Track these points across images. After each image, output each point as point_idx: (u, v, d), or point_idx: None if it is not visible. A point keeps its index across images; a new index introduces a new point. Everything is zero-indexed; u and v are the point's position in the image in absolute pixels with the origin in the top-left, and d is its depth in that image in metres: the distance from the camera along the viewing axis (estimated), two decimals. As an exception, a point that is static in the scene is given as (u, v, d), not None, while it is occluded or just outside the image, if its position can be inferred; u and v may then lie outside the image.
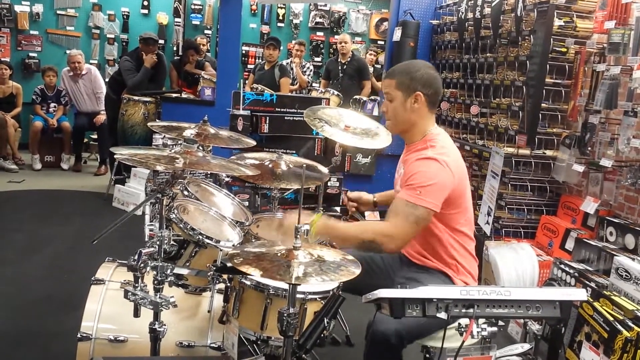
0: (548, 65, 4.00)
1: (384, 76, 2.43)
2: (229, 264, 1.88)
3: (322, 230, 2.16)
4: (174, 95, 6.49)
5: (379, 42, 9.23)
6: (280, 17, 9.16)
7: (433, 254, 2.34)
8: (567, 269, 3.37)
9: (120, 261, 2.62)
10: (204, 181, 3.01)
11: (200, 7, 8.94)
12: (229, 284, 2.24)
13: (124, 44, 8.69)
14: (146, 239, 2.36)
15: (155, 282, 2.14)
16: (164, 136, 5.02)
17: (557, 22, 3.96)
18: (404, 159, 2.40)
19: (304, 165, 2.24)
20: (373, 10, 9.36)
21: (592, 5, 4.00)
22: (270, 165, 2.94)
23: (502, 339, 3.39)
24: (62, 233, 4.76)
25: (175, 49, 8.73)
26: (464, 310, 1.58)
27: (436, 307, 1.57)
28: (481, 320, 1.65)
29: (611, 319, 2.71)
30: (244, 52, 8.87)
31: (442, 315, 1.57)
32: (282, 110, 3.78)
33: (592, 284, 3.13)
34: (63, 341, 2.88)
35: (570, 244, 3.80)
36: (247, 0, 8.91)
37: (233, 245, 2.34)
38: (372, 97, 6.53)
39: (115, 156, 2.16)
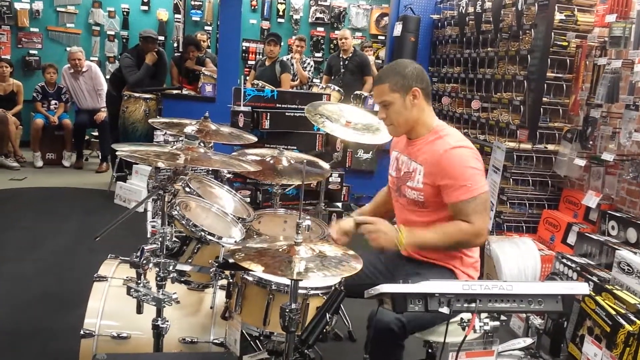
0: (549, 60, 4.00)
1: (373, 84, 2.41)
2: (231, 260, 1.88)
3: (410, 241, 2.20)
4: (175, 91, 6.48)
5: (380, 37, 9.21)
6: (281, 13, 9.14)
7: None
8: (569, 263, 3.37)
9: (122, 258, 2.62)
10: (205, 177, 3.02)
11: (200, 3, 8.92)
12: (231, 280, 2.24)
13: (124, 40, 8.67)
14: (148, 236, 2.36)
15: (158, 278, 2.15)
16: (165, 133, 5.03)
17: (558, 16, 3.95)
18: (412, 151, 2.35)
19: (305, 161, 2.24)
20: (373, 5, 9.33)
21: (593, -1, 4.00)
22: (271, 162, 2.94)
23: (504, 333, 3.38)
24: (64, 230, 4.77)
25: (175, 45, 8.71)
26: (466, 305, 1.58)
27: (438, 301, 1.57)
28: (483, 315, 1.65)
29: (613, 313, 2.71)
30: (244, 48, 8.84)
31: (445, 309, 1.57)
32: (283, 106, 3.78)
33: (594, 278, 3.13)
34: (66, 338, 2.88)
35: (572, 238, 3.80)
36: (247, -4, 8.89)
37: (235, 242, 2.34)
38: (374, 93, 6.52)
39: (116, 153, 2.17)
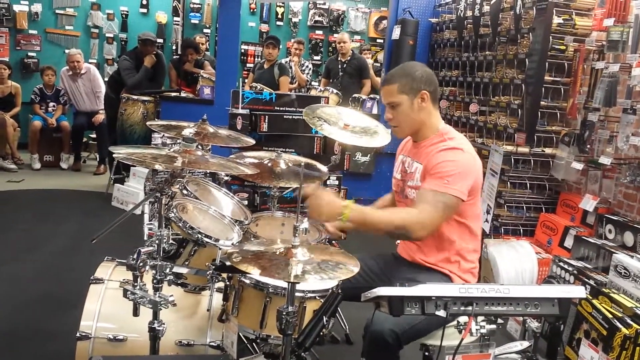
0: (547, 63, 4.00)
1: (382, 84, 2.42)
2: (228, 263, 1.88)
3: (356, 215, 2.11)
4: (173, 94, 6.49)
5: (378, 40, 9.22)
6: (279, 16, 9.15)
7: (437, 251, 2.31)
8: (566, 266, 3.38)
9: (119, 260, 2.62)
10: (203, 180, 3.01)
11: (199, 6, 8.93)
12: (228, 283, 2.24)
13: (123, 43, 8.68)
14: (145, 238, 2.36)
15: (155, 281, 2.15)
16: (163, 135, 5.03)
17: (556, 20, 3.96)
18: (416, 152, 2.37)
19: (302, 164, 2.24)
20: (372, 8, 9.34)
21: (591, 3, 4.01)
22: (269, 164, 2.94)
23: (501, 336, 3.39)
24: (61, 232, 4.76)
25: (174, 48, 8.72)
26: (462, 308, 1.58)
27: (435, 304, 1.57)
28: (480, 318, 1.65)
29: (610, 316, 2.71)
30: (243, 50, 8.85)
31: (441, 312, 1.57)
32: (281, 109, 3.78)
33: (591, 282, 3.13)
34: (62, 340, 2.88)
35: (569, 242, 3.81)
36: (246, -2, 8.91)
37: (232, 244, 2.34)
38: (372, 96, 6.53)
39: (114, 155, 2.17)
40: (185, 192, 2.63)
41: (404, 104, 2.30)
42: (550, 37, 3.96)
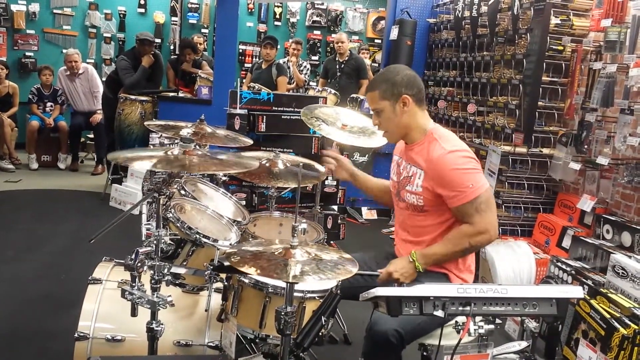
0: (545, 64, 4.02)
1: (365, 91, 2.43)
2: (226, 263, 1.88)
3: (423, 261, 2.22)
4: (171, 94, 6.47)
5: (376, 40, 9.23)
6: (277, 16, 9.15)
7: None
8: (563, 266, 3.38)
9: (117, 260, 2.62)
10: (201, 180, 3.01)
11: (197, 5, 8.92)
12: (226, 283, 2.24)
13: (121, 43, 8.67)
14: (143, 238, 2.35)
15: (153, 281, 2.14)
16: (161, 135, 5.02)
17: (554, 20, 3.97)
18: (410, 155, 2.37)
19: (301, 164, 2.24)
20: (370, 8, 9.35)
21: (588, 4, 4.02)
22: (267, 164, 2.94)
23: (499, 336, 3.39)
24: (59, 232, 4.75)
25: (172, 48, 8.71)
26: (460, 308, 1.59)
27: (433, 305, 1.58)
28: (478, 318, 1.65)
29: (608, 316, 2.72)
30: (240, 50, 8.85)
31: (439, 313, 1.57)
32: (279, 109, 3.77)
33: (589, 282, 3.14)
34: (60, 340, 2.88)
35: (567, 242, 3.81)
36: (244, -2, 8.90)
37: (230, 244, 2.34)
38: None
39: (108, 155, 2.16)
40: (183, 192, 2.63)
41: (387, 110, 2.31)
42: (548, 38, 3.97)
